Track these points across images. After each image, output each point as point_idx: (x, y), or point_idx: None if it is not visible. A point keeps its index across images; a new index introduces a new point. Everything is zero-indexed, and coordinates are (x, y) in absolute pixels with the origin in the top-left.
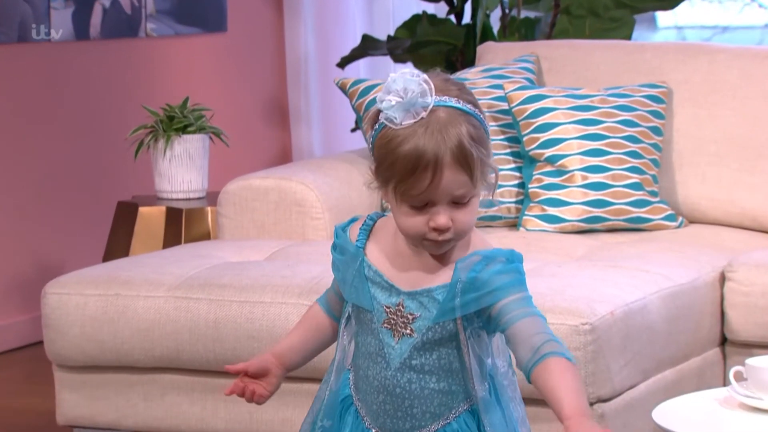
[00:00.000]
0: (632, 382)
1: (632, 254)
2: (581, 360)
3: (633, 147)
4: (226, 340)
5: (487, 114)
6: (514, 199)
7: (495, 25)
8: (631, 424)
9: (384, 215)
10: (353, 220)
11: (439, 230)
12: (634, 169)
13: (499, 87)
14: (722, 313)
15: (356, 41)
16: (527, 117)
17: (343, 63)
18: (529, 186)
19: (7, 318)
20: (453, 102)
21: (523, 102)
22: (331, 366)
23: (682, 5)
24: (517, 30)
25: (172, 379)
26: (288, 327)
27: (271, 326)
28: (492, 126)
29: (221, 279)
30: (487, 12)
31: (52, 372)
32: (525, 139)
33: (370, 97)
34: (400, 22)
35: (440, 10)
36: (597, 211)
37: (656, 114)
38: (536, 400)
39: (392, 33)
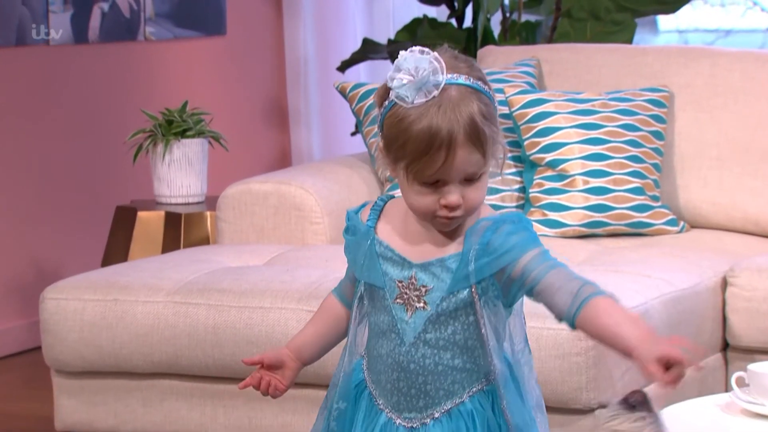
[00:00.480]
0: (634, 387)
1: (634, 259)
2: (582, 365)
3: (634, 151)
4: (225, 346)
5: None
6: (515, 204)
7: (496, 28)
8: None
9: (393, 197)
10: (365, 205)
11: (450, 207)
12: (635, 174)
13: (500, 91)
14: (724, 319)
15: (356, 44)
16: (528, 121)
17: (343, 67)
18: (530, 190)
19: (6, 323)
20: (463, 80)
21: (524, 106)
22: (344, 349)
23: (683, 9)
24: (518, 33)
25: (171, 385)
26: (287, 332)
27: (271, 331)
28: None
29: (220, 284)
30: (488, 15)
31: (50, 377)
32: (526, 143)
33: (369, 101)
34: (400, 25)
35: (441, 14)
36: (598, 216)
37: (658, 118)
38: (550, 407)
39: (392, 36)
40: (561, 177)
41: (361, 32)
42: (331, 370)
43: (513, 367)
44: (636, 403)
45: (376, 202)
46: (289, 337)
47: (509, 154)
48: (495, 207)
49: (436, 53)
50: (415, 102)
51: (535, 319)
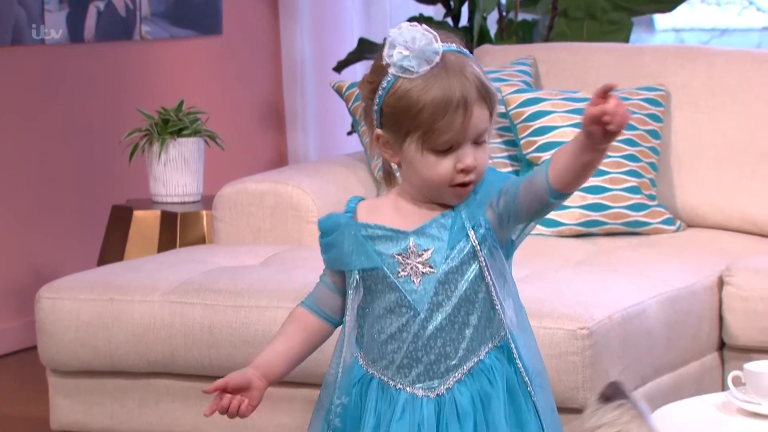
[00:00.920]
0: (630, 386)
1: (630, 258)
2: (579, 365)
3: (631, 150)
4: (221, 345)
5: None
6: None
7: (492, 27)
8: None
9: (362, 199)
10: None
11: (467, 170)
12: (632, 173)
13: (497, 90)
14: (721, 318)
15: (353, 44)
16: (524, 120)
17: (340, 67)
18: None
19: (1, 323)
20: (455, 47)
21: (521, 105)
22: (338, 348)
23: (680, 8)
24: (514, 33)
25: (167, 385)
26: None
27: (267, 331)
28: None
29: (216, 284)
30: (485, 15)
31: (46, 377)
32: (522, 142)
33: None
34: (397, 24)
35: (437, 13)
36: (595, 215)
37: (654, 117)
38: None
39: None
40: None
41: (358, 32)
42: (327, 369)
43: (518, 313)
44: (611, 393)
45: (347, 206)
46: None
47: (505, 153)
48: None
49: (424, 24)
50: (420, 71)
51: (530, 318)
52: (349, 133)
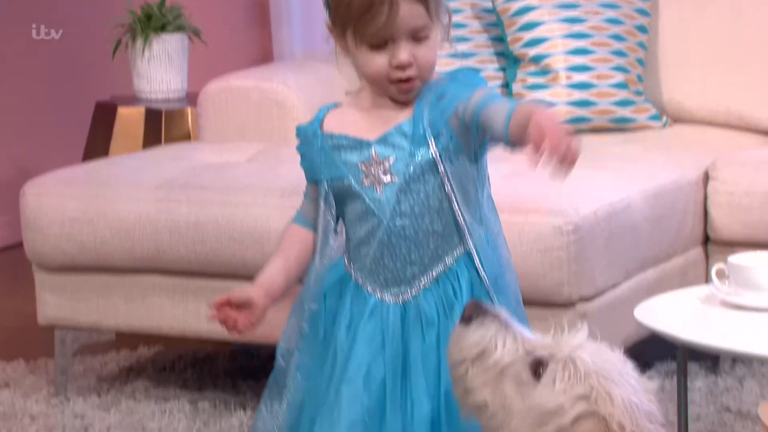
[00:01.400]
0: (615, 281)
1: (616, 154)
2: (564, 260)
3: (618, 46)
4: (207, 242)
5: (470, 14)
6: None
7: None
8: (613, 324)
9: (333, 106)
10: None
11: (402, 67)
12: (619, 69)
13: None
14: (705, 213)
15: None
16: (512, 15)
17: None
18: (513, 86)
19: None
20: None
21: (508, 0)
22: (314, 254)
23: None
24: None
25: (154, 281)
26: (270, 228)
27: (253, 227)
28: (475, 25)
29: (202, 180)
30: None
31: (32, 273)
32: (509, 38)
33: None
34: None
35: None
36: (582, 112)
37: (642, 12)
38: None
39: None
40: (544, 72)
41: None
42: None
43: (483, 218)
44: (470, 314)
45: (317, 113)
46: (272, 233)
47: (492, 49)
48: (458, 55)
49: None
50: None
51: (516, 213)
52: None
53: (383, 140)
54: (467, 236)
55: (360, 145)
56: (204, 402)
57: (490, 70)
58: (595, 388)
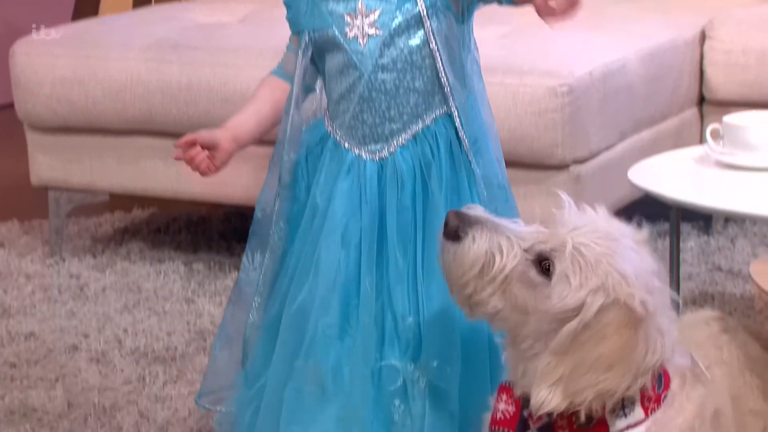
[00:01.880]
0: (609, 142)
1: (612, 14)
2: (558, 121)
3: None
4: (199, 103)
5: None
6: None
7: None
8: (607, 185)
9: None
10: None
11: None
12: None
13: None
14: (701, 73)
15: None
16: None
17: None
18: None
19: None
20: None
21: None
22: (286, 107)
23: None
24: None
25: (146, 142)
26: None
27: (245, 89)
28: None
29: (193, 41)
30: None
31: (24, 134)
32: None
33: None
34: None
35: None
36: None
37: None
38: (526, 164)
39: None
40: None
41: None
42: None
43: (467, 77)
44: (455, 229)
45: None
46: None
47: None
48: None
49: None
50: None
51: (511, 75)
52: None
53: None
54: (449, 96)
55: None
56: (198, 263)
57: None
58: (609, 273)
